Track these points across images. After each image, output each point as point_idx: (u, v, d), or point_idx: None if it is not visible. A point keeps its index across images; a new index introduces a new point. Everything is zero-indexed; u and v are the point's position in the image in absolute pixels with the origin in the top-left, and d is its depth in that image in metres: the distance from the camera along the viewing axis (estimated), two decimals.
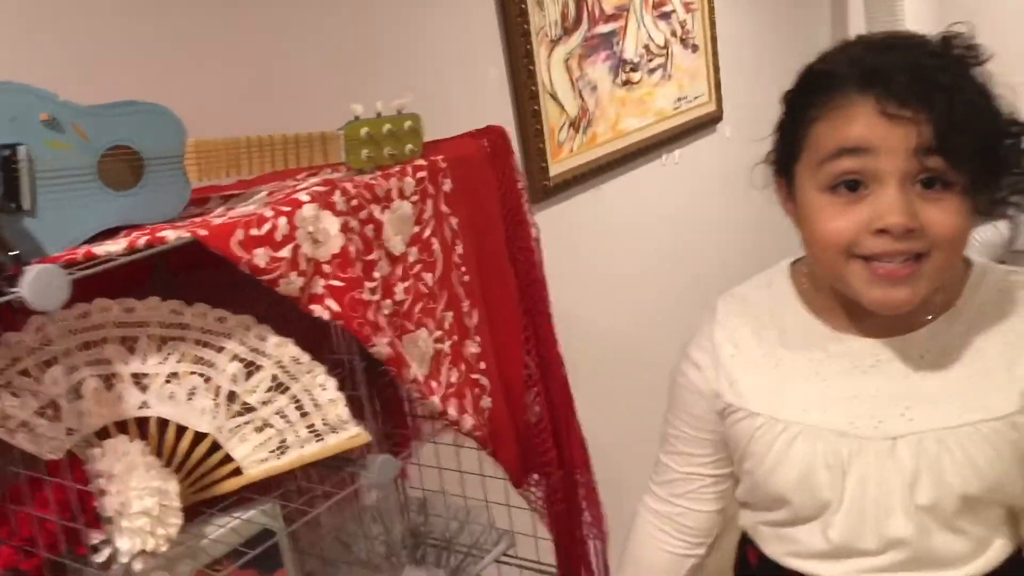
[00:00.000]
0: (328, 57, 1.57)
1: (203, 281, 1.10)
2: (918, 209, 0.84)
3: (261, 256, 0.95)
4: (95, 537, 0.95)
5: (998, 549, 0.97)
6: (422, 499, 1.54)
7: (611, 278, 2.30)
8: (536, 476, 1.38)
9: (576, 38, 2.08)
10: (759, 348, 1.00)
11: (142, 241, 0.89)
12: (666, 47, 2.43)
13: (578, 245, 2.20)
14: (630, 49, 2.28)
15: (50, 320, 1.00)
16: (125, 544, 0.96)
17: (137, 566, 0.97)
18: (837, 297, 0.96)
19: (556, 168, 2.06)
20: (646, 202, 2.41)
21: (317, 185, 1.03)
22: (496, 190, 1.26)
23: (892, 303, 0.88)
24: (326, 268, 1.01)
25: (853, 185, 0.85)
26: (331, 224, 1.01)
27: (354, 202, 1.04)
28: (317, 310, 1.02)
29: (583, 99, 2.13)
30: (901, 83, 0.81)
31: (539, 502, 1.39)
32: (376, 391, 1.23)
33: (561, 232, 2.13)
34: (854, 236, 0.85)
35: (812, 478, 0.94)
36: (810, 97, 0.88)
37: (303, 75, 1.52)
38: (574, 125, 2.11)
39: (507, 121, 1.95)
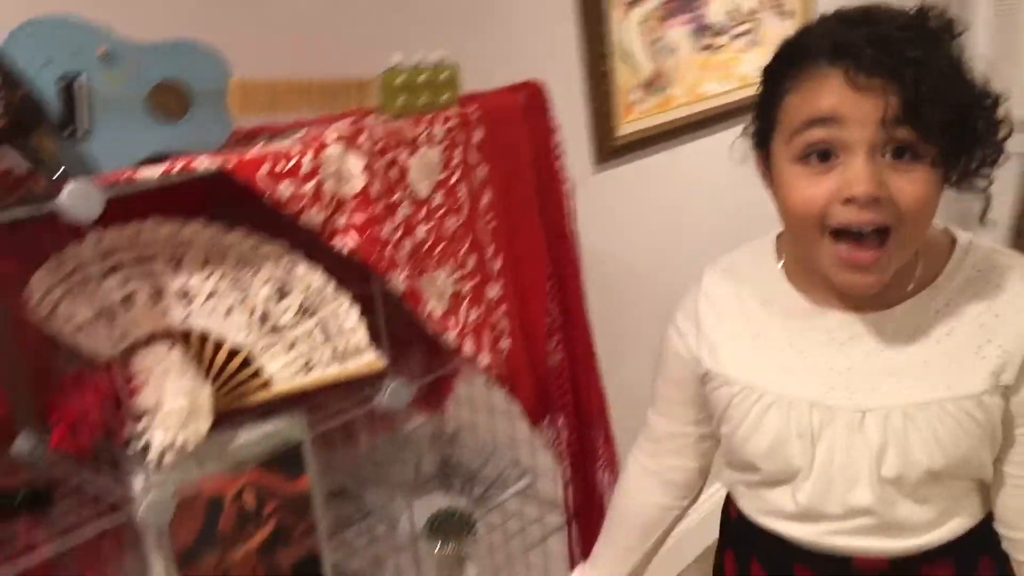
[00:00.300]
0: (391, 5, 1.64)
1: (254, 213, 1.20)
2: (886, 179, 0.85)
3: (285, 189, 1.04)
4: (132, 429, 1.07)
5: (963, 518, 0.99)
6: (454, 432, 1.63)
7: (677, 239, 2.33)
8: (553, 418, 1.45)
9: (654, 0, 2.10)
10: (741, 317, 1.03)
11: (176, 168, 0.99)
12: (755, 13, 2.40)
13: (646, 205, 2.23)
14: (715, 13, 2.27)
15: (106, 234, 1.12)
16: (157, 437, 1.08)
17: (168, 458, 1.10)
18: (816, 271, 0.98)
19: (625, 128, 2.09)
20: (723, 167, 2.40)
21: (345, 127, 1.12)
22: (529, 143, 1.32)
23: (859, 287, 0.90)
24: (348, 205, 1.10)
25: (824, 155, 0.87)
26: (355, 164, 1.10)
27: (380, 146, 1.12)
28: (338, 243, 1.11)
29: (659, 61, 2.15)
30: (869, 55, 0.83)
31: (555, 442, 1.46)
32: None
33: (628, 192, 2.16)
34: (824, 205, 0.87)
35: (784, 446, 0.98)
36: (785, 70, 0.90)
37: (362, 22, 1.60)
38: (647, 86, 2.13)
39: (575, 80, 1.99)
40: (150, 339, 1.15)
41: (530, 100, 1.32)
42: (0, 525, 0.96)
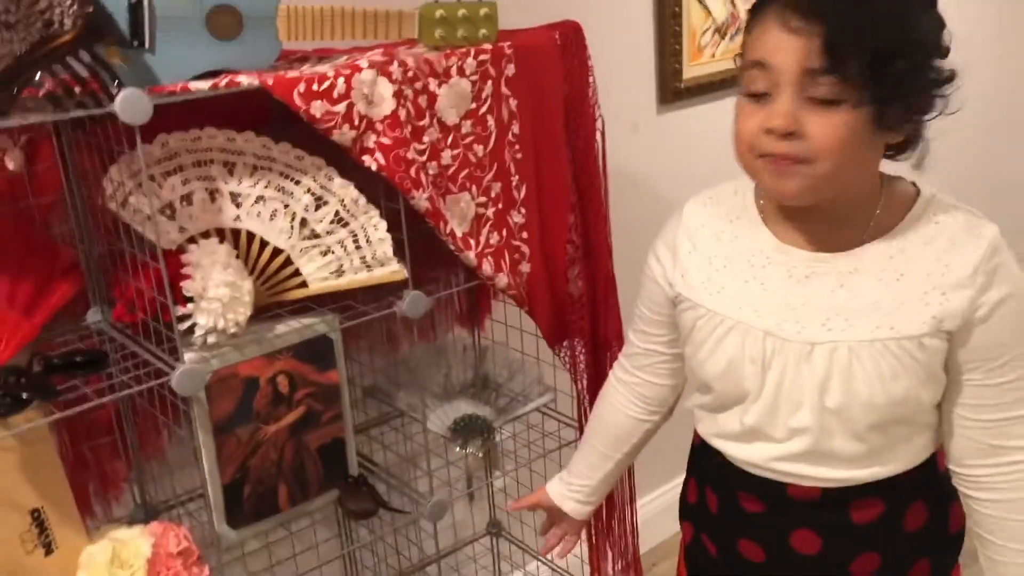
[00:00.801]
0: None
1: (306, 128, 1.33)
2: (805, 117, 0.93)
3: (318, 108, 1.16)
4: (180, 311, 1.23)
5: (896, 463, 1.06)
6: (486, 348, 1.76)
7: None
8: (570, 341, 1.55)
9: None
10: (713, 248, 1.11)
11: (223, 83, 1.12)
12: None
13: (707, 149, 2.26)
14: None
15: (170, 138, 1.27)
16: (202, 320, 1.24)
17: (211, 339, 1.26)
18: (782, 210, 1.05)
19: (692, 71, 2.12)
20: None
21: (379, 55, 1.22)
22: (562, 80, 1.39)
23: (784, 192, 0.98)
24: (377, 126, 1.21)
25: (762, 95, 0.96)
26: (386, 89, 1.21)
27: (411, 73, 1.23)
28: (367, 160, 1.23)
29: (734, 6, 2.16)
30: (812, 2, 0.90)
31: (571, 363, 1.56)
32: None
33: (688, 134, 2.21)
34: (754, 135, 0.96)
35: (738, 369, 1.06)
36: (751, 11, 0.97)
37: None
38: (720, 31, 2.15)
39: (646, 19, 2.04)
40: (204, 234, 1.31)
41: (566, 38, 1.39)
42: (62, 379, 1.13)
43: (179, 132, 1.27)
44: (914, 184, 1.05)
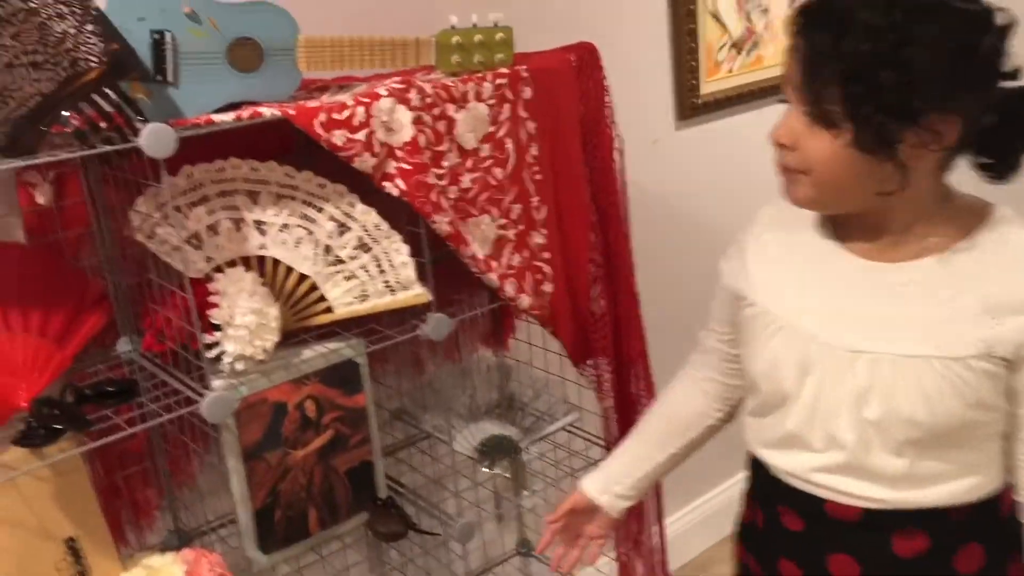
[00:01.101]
0: None
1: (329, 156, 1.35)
2: (802, 131, 0.96)
3: (339, 136, 1.18)
4: (208, 338, 1.24)
5: (943, 489, 1.02)
6: (510, 367, 1.76)
7: (752, 197, 2.35)
8: (595, 360, 1.55)
9: None
10: (777, 251, 1.13)
11: (246, 114, 1.14)
12: None
13: (726, 165, 2.27)
14: None
15: (194, 170, 1.30)
16: (230, 347, 1.26)
17: (239, 366, 1.27)
18: (842, 217, 1.06)
19: (709, 87, 2.13)
20: None
21: (397, 83, 1.24)
22: (579, 101, 1.41)
23: (792, 198, 1.02)
24: (398, 153, 1.23)
25: (787, 102, 1.00)
26: (404, 116, 1.23)
27: (429, 99, 1.24)
28: (388, 187, 1.24)
29: (750, 21, 2.17)
30: (803, 18, 0.93)
31: (596, 382, 1.57)
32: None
33: (708, 149, 2.21)
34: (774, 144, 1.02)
35: (779, 369, 1.06)
36: None
37: None
38: (736, 46, 2.16)
39: (662, 36, 2.05)
40: (231, 263, 1.33)
41: (582, 60, 1.40)
42: (94, 408, 1.16)
43: (203, 164, 1.29)
44: (985, 202, 1.03)
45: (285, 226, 1.34)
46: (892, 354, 0.99)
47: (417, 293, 1.35)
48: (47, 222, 1.30)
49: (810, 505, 1.09)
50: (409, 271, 1.34)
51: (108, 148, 1.04)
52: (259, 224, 1.33)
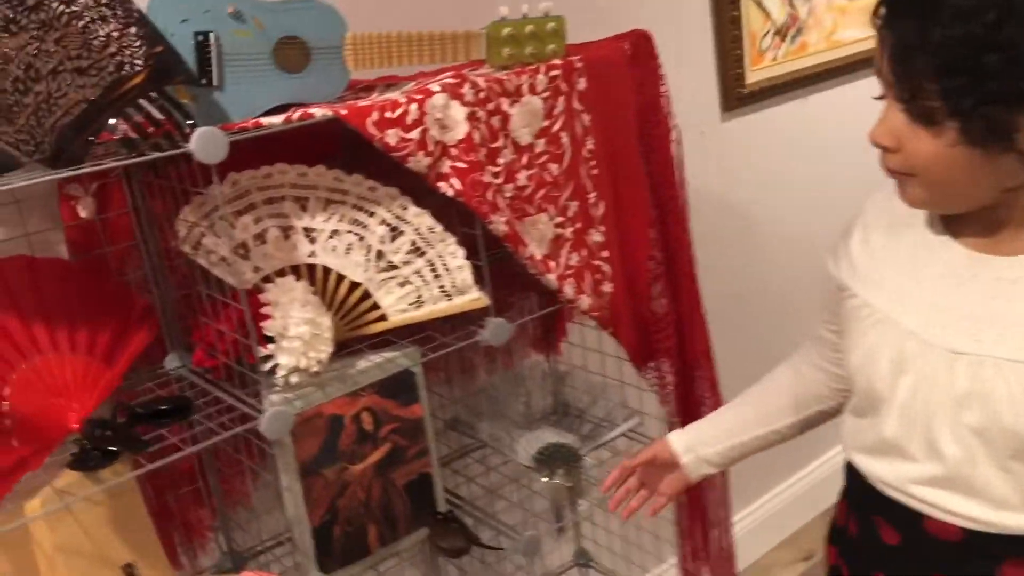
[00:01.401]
0: None
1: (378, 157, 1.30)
2: (903, 133, 0.88)
3: (392, 136, 1.13)
4: (262, 352, 1.20)
5: None
6: (565, 372, 1.71)
7: (803, 188, 2.29)
8: (657, 362, 1.49)
9: None
10: (882, 240, 1.05)
11: (295, 116, 1.09)
12: None
13: (774, 154, 2.20)
14: None
15: (240, 177, 1.25)
16: (284, 359, 1.21)
17: (293, 379, 1.22)
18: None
19: (754, 76, 2.07)
20: (858, 118, 2.33)
21: (450, 78, 1.19)
22: (632, 91, 1.35)
23: (907, 200, 0.94)
24: (452, 151, 1.18)
25: (881, 96, 0.91)
26: (458, 113, 1.17)
27: (483, 95, 1.19)
28: (443, 187, 1.19)
29: (793, 7, 2.10)
30: (885, 7, 0.85)
31: (659, 385, 1.50)
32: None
33: (754, 140, 2.14)
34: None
35: (873, 364, 0.99)
36: None
37: None
38: (780, 33, 2.09)
39: (705, 25, 1.99)
40: (280, 272, 1.28)
41: (636, 48, 1.34)
42: (147, 428, 1.11)
43: (249, 170, 1.25)
44: None
45: (335, 232, 1.29)
46: (996, 357, 0.90)
47: (474, 297, 1.29)
48: (90, 236, 1.26)
49: (908, 519, 1.00)
50: (466, 275, 1.29)
51: (158, 155, 0.99)
52: (308, 231, 1.29)
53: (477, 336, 1.29)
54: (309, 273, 1.29)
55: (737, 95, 2.04)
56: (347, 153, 1.32)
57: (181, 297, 1.32)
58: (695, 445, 1.25)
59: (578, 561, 1.91)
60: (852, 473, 1.10)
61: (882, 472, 1.03)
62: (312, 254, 1.29)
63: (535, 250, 1.28)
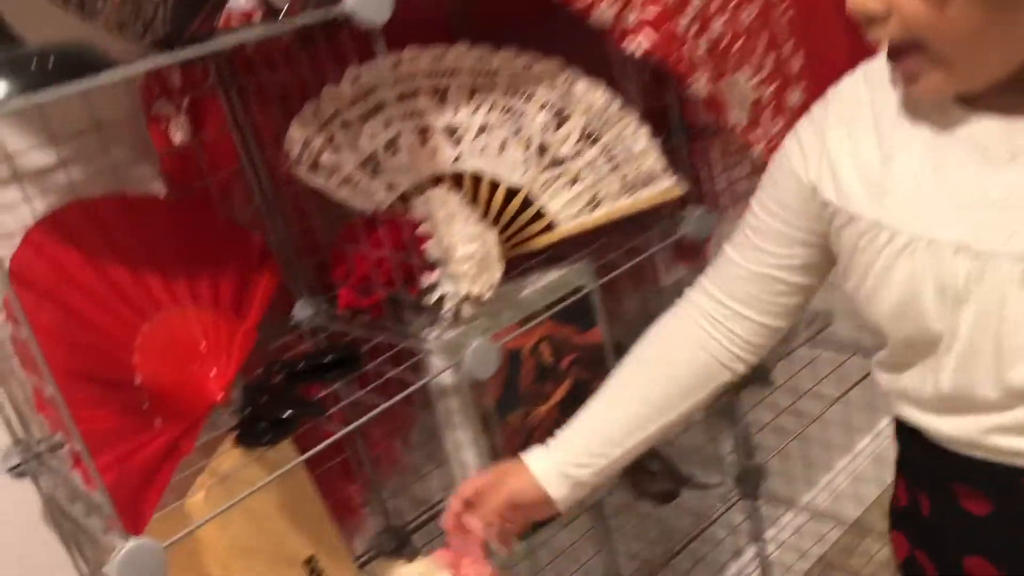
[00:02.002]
0: None
1: (498, 35, 1.05)
2: None
3: None
4: (427, 279, 0.96)
5: None
6: None
7: None
8: None
9: None
10: (872, 131, 0.75)
11: None
12: None
13: None
14: None
15: (362, 71, 1.00)
16: (452, 287, 0.97)
17: (466, 310, 0.99)
18: None
19: None
20: None
21: None
22: None
23: (917, 92, 0.70)
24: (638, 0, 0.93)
25: None
26: None
27: None
28: (630, 45, 0.94)
29: None
30: None
31: None
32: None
33: None
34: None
35: (917, 304, 0.71)
36: None
37: None
38: None
39: None
40: (420, 186, 1.04)
41: None
42: (318, 388, 0.87)
43: (370, 62, 1.00)
44: None
45: (484, 128, 1.04)
46: None
47: (666, 187, 1.05)
48: (188, 164, 1.01)
49: (997, 477, 0.74)
50: (652, 160, 1.05)
51: (309, 21, 0.74)
52: (451, 131, 1.04)
53: (679, 231, 1.05)
54: (454, 184, 1.05)
55: None
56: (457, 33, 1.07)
57: (302, 232, 1.08)
58: (567, 468, 0.88)
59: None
60: (909, 437, 0.82)
61: (951, 429, 0.76)
62: (457, 158, 1.05)
63: (738, 117, 1.04)
